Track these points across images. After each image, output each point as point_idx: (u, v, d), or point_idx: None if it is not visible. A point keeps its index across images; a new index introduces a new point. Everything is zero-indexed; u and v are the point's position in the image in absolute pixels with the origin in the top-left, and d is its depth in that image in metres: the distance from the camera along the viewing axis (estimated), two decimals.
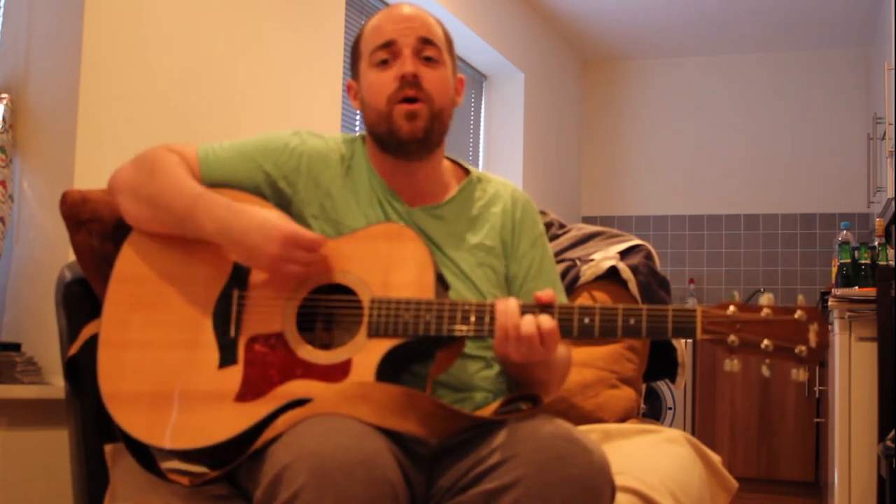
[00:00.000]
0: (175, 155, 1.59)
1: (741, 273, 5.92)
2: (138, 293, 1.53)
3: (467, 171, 1.73)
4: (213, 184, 1.58)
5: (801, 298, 1.37)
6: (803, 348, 1.32)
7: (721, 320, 1.34)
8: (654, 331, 1.37)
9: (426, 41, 1.59)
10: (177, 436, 1.41)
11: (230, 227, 1.47)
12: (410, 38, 1.58)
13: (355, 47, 1.66)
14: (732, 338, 1.34)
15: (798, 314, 1.33)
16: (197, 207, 1.50)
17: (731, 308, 1.35)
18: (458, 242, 1.63)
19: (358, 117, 3.91)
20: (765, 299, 1.35)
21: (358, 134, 1.70)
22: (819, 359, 1.33)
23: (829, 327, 3.72)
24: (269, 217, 1.47)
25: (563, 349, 1.57)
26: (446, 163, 1.71)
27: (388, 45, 1.58)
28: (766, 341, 1.32)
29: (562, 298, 1.70)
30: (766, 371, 1.33)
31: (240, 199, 1.57)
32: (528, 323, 1.38)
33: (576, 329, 1.39)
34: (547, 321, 1.39)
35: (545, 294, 1.41)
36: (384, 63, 1.58)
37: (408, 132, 1.56)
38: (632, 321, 1.38)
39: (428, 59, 1.59)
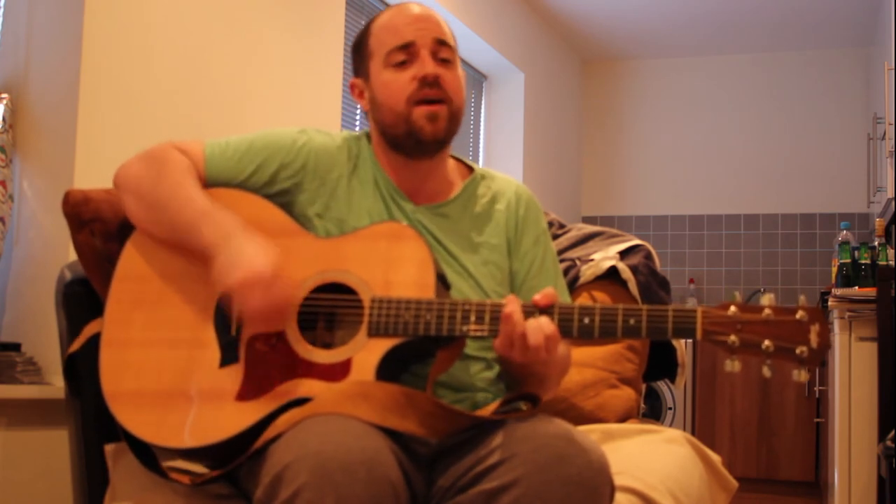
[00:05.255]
0: (184, 157, 1.57)
1: (741, 273, 5.92)
2: (141, 292, 1.53)
3: (471, 169, 1.73)
4: (218, 182, 1.58)
5: (802, 299, 1.37)
6: (804, 349, 1.31)
7: (721, 321, 1.34)
8: (654, 331, 1.36)
9: (441, 42, 1.60)
10: (177, 434, 1.41)
11: (219, 250, 1.44)
12: (427, 40, 1.59)
13: (362, 46, 1.65)
14: (733, 338, 1.33)
15: (799, 314, 1.32)
16: (202, 222, 1.48)
17: (732, 308, 1.34)
18: (463, 241, 1.63)
19: (358, 117, 3.90)
20: (766, 299, 1.34)
21: (361, 131, 1.70)
22: (821, 360, 1.32)
23: (830, 327, 3.71)
24: (255, 255, 1.41)
25: (562, 347, 1.57)
26: (450, 161, 1.71)
27: (407, 47, 1.58)
28: (766, 342, 1.32)
29: (564, 297, 1.70)
30: (766, 372, 1.32)
31: (244, 200, 1.57)
32: (535, 332, 1.38)
33: (575, 329, 1.39)
34: (548, 326, 1.38)
35: (543, 298, 1.40)
36: (402, 64, 1.58)
37: (430, 133, 1.57)
38: (631, 321, 1.37)
39: (443, 61, 1.60)
